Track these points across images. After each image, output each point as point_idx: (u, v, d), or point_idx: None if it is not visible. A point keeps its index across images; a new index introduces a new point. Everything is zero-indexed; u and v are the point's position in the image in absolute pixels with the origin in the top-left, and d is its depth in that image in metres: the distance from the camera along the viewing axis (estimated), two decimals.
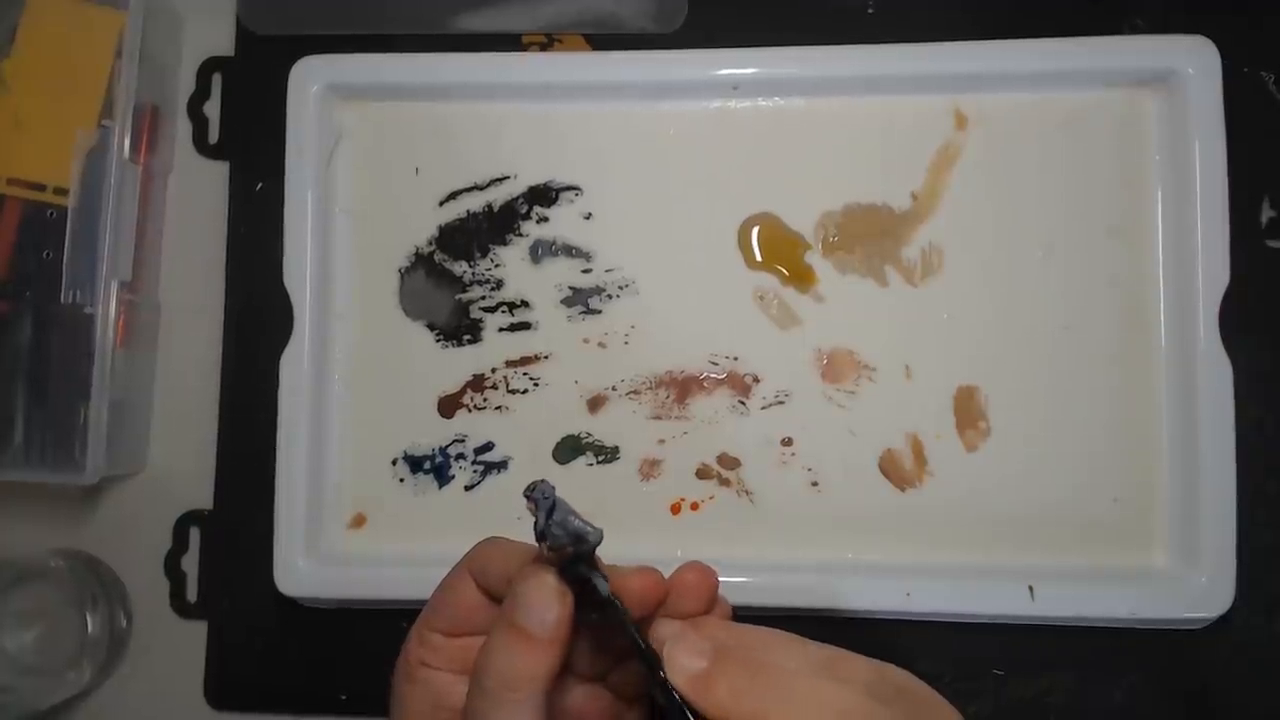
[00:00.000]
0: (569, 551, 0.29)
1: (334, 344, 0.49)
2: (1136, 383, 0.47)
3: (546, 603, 0.29)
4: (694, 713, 0.28)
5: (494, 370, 0.49)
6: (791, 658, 0.29)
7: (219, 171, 0.52)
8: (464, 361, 0.49)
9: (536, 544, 0.30)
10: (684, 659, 0.29)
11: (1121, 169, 0.47)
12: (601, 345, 0.49)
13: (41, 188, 0.48)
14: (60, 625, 0.48)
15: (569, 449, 0.48)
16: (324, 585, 0.47)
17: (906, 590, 0.45)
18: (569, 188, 0.50)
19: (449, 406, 0.49)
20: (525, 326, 0.49)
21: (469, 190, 0.50)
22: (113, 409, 0.47)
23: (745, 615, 0.32)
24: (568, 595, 0.29)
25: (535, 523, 0.29)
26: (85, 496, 0.51)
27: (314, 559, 0.47)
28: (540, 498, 0.29)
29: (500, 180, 0.50)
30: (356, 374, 0.49)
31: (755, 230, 0.49)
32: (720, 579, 0.31)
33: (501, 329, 0.49)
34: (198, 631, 0.50)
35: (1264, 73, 0.48)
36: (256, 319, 0.50)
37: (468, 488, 0.49)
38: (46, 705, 0.48)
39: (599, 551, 0.30)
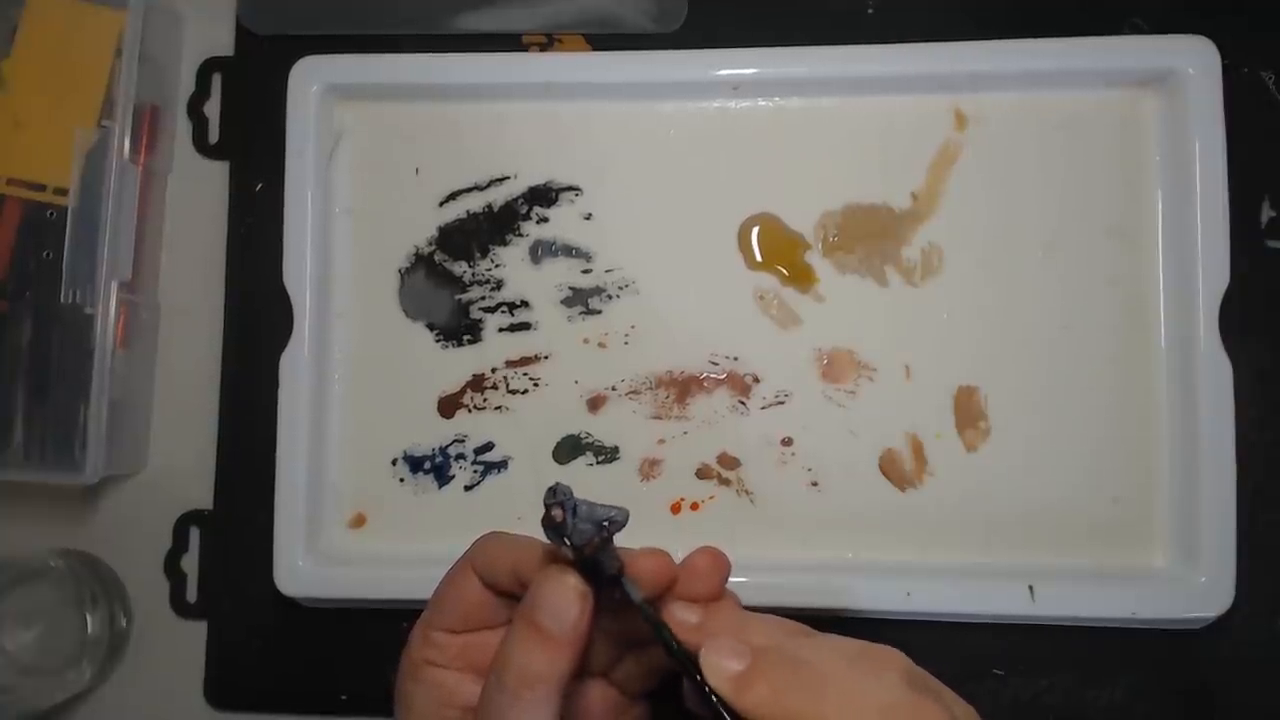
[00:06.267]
0: (596, 542, 0.29)
1: (334, 344, 0.49)
2: (1136, 383, 0.47)
3: (568, 603, 0.29)
4: (732, 714, 0.28)
5: (494, 370, 0.49)
6: (823, 653, 0.29)
7: (219, 171, 0.52)
8: (464, 361, 0.49)
9: (554, 542, 0.30)
10: (722, 660, 0.28)
11: (1121, 169, 0.47)
12: (601, 345, 0.49)
13: (41, 188, 0.48)
14: (60, 625, 0.48)
15: (569, 449, 0.48)
16: (324, 585, 0.47)
17: (906, 590, 0.45)
18: (569, 188, 0.50)
19: (449, 406, 0.49)
20: (525, 326, 0.49)
21: (469, 190, 0.50)
22: (113, 409, 0.47)
23: None
24: (588, 596, 0.30)
25: (561, 525, 0.29)
26: (85, 496, 0.51)
27: (314, 559, 0.47)
28: (564, 499, 0.29)
29: (500, 180, 0.50)
30: (356, 374, 0.49)
31: (755, 230, 0.49)
32: None
33: (501, 329, 0.49)
34: (198, 631, 0.50)
35: (1264, 73, 0.48)
36: (256, 319, 0.50)
37: (468, 488, 0.49)
38: (46, 705, 0.48)
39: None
